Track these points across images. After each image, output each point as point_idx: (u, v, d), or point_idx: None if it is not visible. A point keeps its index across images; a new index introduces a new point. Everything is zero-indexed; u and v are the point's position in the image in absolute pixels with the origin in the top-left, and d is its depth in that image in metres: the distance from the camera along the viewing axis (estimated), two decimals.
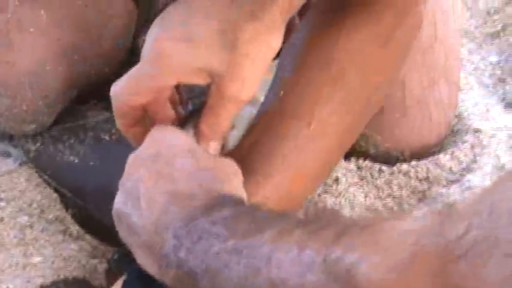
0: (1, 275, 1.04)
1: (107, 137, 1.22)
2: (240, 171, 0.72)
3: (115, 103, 0.80)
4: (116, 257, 0.80)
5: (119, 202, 0.71)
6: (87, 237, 1.16)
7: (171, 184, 0.67)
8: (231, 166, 0.71)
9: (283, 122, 0.83)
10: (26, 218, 1.13)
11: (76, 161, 1.21)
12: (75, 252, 1.11)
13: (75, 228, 1.16)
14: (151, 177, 0.68)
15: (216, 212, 0.61)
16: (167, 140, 0.72)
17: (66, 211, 1.18)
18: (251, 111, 0.90)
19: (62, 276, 1.06)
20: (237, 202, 0.64)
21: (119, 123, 0.81)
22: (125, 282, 0.79)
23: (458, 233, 0.40)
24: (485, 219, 0.39)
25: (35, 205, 1.16)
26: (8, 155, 1.25)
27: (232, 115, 0.77)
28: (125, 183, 0.71)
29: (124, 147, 1.18)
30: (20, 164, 1.22)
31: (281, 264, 0.50)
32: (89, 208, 1.17)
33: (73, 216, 1.18)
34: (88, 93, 1.36)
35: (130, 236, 0.69)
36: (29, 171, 1.21)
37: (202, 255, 0.59)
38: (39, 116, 1.21)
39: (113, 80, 1.39)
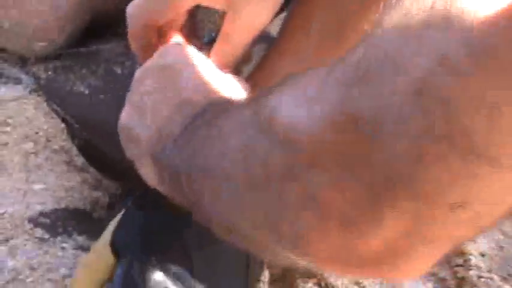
0: (1, 199, 1.02)
1: (119, 70, 1.21)
2: (248, 89, 0.73)
3: (130, 22, 0.79)
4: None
5: (125, 115, 0.71)
6: (91, 169, 1.15)
7: (178, 96, 0.66)
8: (237, 85, 0.70)
9: (285, 39, 0.82)
10: (31, 144, 1.12)
11: (86, 92, 1.19)
12: (77, 183, 1.10)
13: (79, 160, 1.15)
14: (158, 90, 0.68)
15: (207, 112, 0.61)
16: (177, 53, 0.71)
17: (72, 142, 1.17)
18: (264, 47, 0.89)
19: (62, 205, 1.04)
20: (227, 98, 0.64)
21: (133, 44, 0.80)
22: (125, 211, 0.78)
23: (358, 57, 0.40)
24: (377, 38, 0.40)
25: (41, 133, 1.14)
26: (18, 81, 1.23)
27: (246, 43, 0.76)
28: (132, 96, 0.71)
29: None
30: (30, 92, 1.20)
31: (225, 132, 0.51)
32: (94, 141, 1.16)
33: (78, 147, 1.17)
34: (103, 26, 1.34)
35: (135, 148, 0.69)
36: (38, 99, 1.19)
37: (185, 148, 0.59)
38: (48, 32, 1.20)
39: None
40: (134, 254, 0.74)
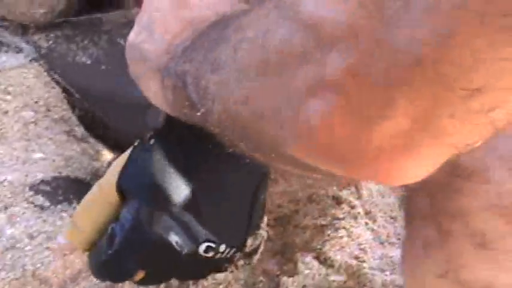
0: (0, 166, 1.02)
1: (122, 42, 1.20)
2: None
3: None
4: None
5: (134, 34, 0.70)
6: (91, 140, 1.15)
7: (189, 12, 0.66)
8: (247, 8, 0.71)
9: None
10: (31, 113, 1.11)
11: (88, 62, 1.19)
12: (77, 153, 1.10)
13: (80, 130, 1.14)
14: (170, 6, 0.67)
15: (222, 23, 0.59)
16: None
17: (73, 112, 1.16)
18: None
19: (63, 174, 1.04)
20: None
21: None
22: (132, 151, 0.78)
23: None
24: None
25: (41, 102, 1.14)
26: (19, 50, 1.23)
27: None
28: (141, 16, 0.70)
29: None
30: (31, 60, 1.20)
31: (244, 26, 0.50)
32: (95, 111, 1.15)
33: (79, 118, 1.16)
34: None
35: (140, 66, 0.69)
36: (39, 69, 1.19)
37: (194, 54, 0.59)
38: None
39: None
40: (142, 197, 0.74)
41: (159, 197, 0.73)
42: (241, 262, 0.76)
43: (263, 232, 0.78)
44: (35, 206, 0.98)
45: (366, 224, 1.02)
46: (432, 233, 0.62)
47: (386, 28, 0.39)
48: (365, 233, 1.00)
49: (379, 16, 0.39)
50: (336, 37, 0.41)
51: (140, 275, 0.74)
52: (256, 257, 0.78)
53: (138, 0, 1.39)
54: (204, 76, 0.55)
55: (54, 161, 1.06)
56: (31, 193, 0.99)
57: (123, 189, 0.76)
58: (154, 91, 0.67)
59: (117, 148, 1.17)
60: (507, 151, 0.58)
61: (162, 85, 0.64)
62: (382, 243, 1.01)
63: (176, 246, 0.72)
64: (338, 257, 0.96)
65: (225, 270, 0.77)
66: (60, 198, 1.01)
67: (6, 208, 0.97)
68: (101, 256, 0.75)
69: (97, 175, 1.10)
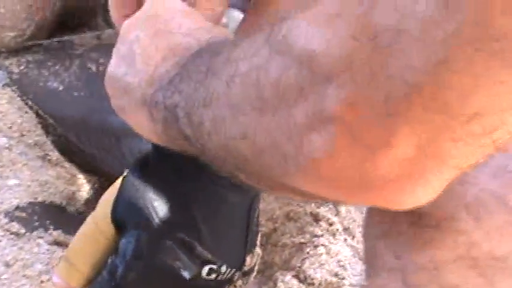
0: None
1: (93, 67, 1.20)
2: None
3: None
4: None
5: (112, 66, 0.69)
6: (66, 164, 1.14)
7: (169, 40, 0.66)
8: (227, 32, 0.70)
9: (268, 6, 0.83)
10: (4, 140, 1.10)
11: (60, 88, 1.18)
12: (52, 178, 1.09)
13: (54, 155, 1.14)
14: (148, 36, 0.67)
15: (206, 52, 0.60)
16: (165, 3, 0.71)
17: (47, 137, 1.15)
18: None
19: (39, 199, 1.03)
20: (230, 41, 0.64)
21: (114, 15, 0.79)
22: (123, 181, 0.77)
23: None
24: None
25: (15, 128, 1.13)
26: None
27: None
28: (119, 47, 0.70)
29: None
30: (3, 86, 1.19)
31: (234, 60, 0.50)
32: (69, 136, 1.15)
33: (53, 142, 1.16)
34: (75, 17, 1.33)
35: (124, 98, 0.68)
36: (11, 94, 1.18)
37: (183, 86, 0.58)
38: (17, 22, 1.19)
39: (104, 9, 1.38)
40: (140, 226, 0.73)
41: (158, 223, 0.72)
42: (239, 282, 0.76)
43: (258, 250, 0.78)
44: (11, 233, 0.97)
45: (345, 240, 1.02)
46: (398, 286, 0.62)
47: (380, 58, 0.40)
48: (344, 249, 1.00)
49: (371, 46, 0.40)
50: (330, 71, 0.42)
51: None
52: (253, 274, 0.78)
53: (110, 21, 1.39)
54: (196, 111, 0.54)
55: (29, 186, 1.05)
56: (6, 220, 0.98)
57: (119, 220, 0.75)
58: (141, 123, 0.66)
59: (93, 172, 1.17)
60: (473, 199, 0.58)
61: (151, 117, 0.63)
62: (361, 259, 1.01)
63: (180, 271, 0.71)
64: (318, 274, 0.96)
65: None
66: (36, 224, 1.00)
67: None
68: None
69: (73, 199, 1.09)
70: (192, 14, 0.70)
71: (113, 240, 0.76)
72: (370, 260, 0.65)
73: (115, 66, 0.69)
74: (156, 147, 0.74)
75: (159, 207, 0.73)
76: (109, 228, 0.76)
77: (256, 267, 0.80)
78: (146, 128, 0.66)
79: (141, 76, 0.65)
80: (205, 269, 0.73)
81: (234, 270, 0.75)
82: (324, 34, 0.42)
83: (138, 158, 0.77)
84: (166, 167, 0.74)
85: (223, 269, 0.74)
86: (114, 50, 0.70)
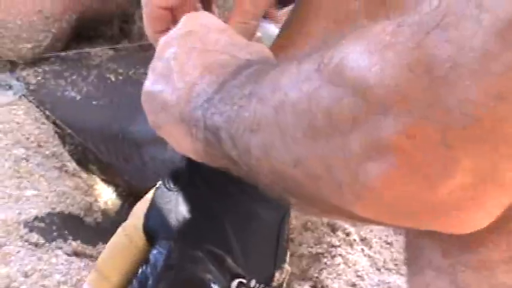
0: None
1: (112, 77, 1.20)
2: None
3: (146, 7, 0.80)
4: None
5: (149, 84, 0.70)
6: (83, 175, 1.14)
7: (205, 57, 0.67)
8: (263, 48, 0.71)
9: (307, 23, 0.83)
10: (22, 150, 1.11)
11: (78, 97, 1.19)
12: (70, 189, 1.09)
13: (71, 165, 1.14)
14: (184, 53, 0.68)
15: (245, 70, 0.61)
16: (200, 20, 0.72)
17: (64, 147, 1.16)
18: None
19: (57, 210, 1.03)
20: (267, 60, 0.64)
21: (149, 30, 0.81)
22: (155, 192, 0.78)
23: (431, 6, 0.41)
24: None
25: (32, 139, 1.13)
26: (9, 87, 1.22)
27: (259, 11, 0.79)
28: (156, 65, 0.70)
29: (130, 88, 1.17)
30: (20, 97, 1.19)
31: (282, 87, 0.51)
32: (87, 146, 1.15)
33: (70, 152, 1.16)
34: (91, 28, 1.34)
35: (161, 115, 0.68)
36: (28, 105, 1.18)
37: (223, 107, 0.59)
38: (34, 33, 1.19)
39: (120, 20, 1.39)
40: (172, 237, 0.74)
41: (189, 235, 0.73)
42: None
43: (287, 266, 0.78)
44: (30, 243, 0.98)
45: (362, 250, 1.02)
46: (447, 285, 0.62)
47: (437, 90, 0.40)
48: (361, 259, 1.00)
49: (427, 78, 0.40)
50: (386, 101, 0.42)
51: None
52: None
53: (125, 32, 1.40)
54: (242, 136, 0.55)
55: (47, 197, 1.06)
56: (25, 230, 0.99)
57: (150, 231, 0.76)
58: (179, 140, 0.67)
59: (110, 182, 1.17)
60: None
61: (190, 135, 0.64)
62: (378, 269, 1.01)
63: (210, 284, 0.72)
64: (335, 284, 0.96)
65: None
66: (55, 234, 1.00)
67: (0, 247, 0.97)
68: None
69: (90, 210, 1.09)
70: (227, 30, 0.70)
71: (143, 251, 0.77)
72: (413, 258, 0.65)
73: (152, 83, 0.69)
74: (189, 160, 0.74)
75: (190, 219, 0.74)
76: (140, 239, 0.77)
77: (284, 284, 0.80)
78: (185, 145, 0.66)
79: (179, 94, 0.66)
80: (235, 282, 0.73)
81: (262, 286, 0.75)
82: (378, 64, 0.42)
83: (170, 170, 0.78)
84: (199, 180, 0.74)
85: (253, 283, 0.74)
86: (150, 67, 0.71)
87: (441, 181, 0.42)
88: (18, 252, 0.96)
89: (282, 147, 0.50)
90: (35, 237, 0.98)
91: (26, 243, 0.98)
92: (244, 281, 0.73)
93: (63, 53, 1.25)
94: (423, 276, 0.64)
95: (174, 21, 0.77)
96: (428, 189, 0.43)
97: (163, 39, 0.72)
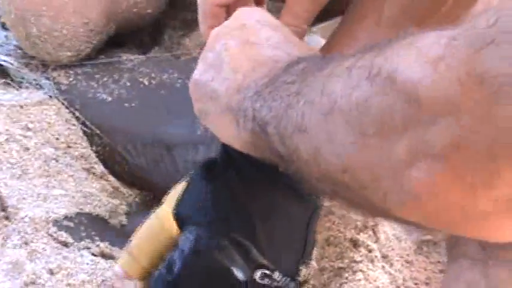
0: (21, 203, 1.03)
1: (145, 81, 1.21)
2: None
3: (203, 5, 0.82)
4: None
5: (198, 73, 0.72)
6: (110, 178, 1.16)
7: (258, 51, 0.68)
8: (313, 49, 0.72)
9: (354, 24, 0.84)
10: (52, 150, 1.12)
11: (109, 99, 1.20)
12: (96, 190, 1.11)
13: (99, 168, 1.15)
14: (237, 45, 0.69)
15: (295, 67, 0.61)
16: (254, 15, 0.73)
17: (91, 148, 1.17)
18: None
19: (85, 210, 1.05)
20: (315, 58, 0.65)
21: (203, 27, 0.83)
22: (189, 181, 0.80)
23: (488, 23, 0.42)
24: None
25: (62, 139, 1.15)
26: (40, 87, 1.24)
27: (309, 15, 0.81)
28: (207, 55, 0.72)
29: (163, 92, 1.18)
30: (51, 97, 1.21)
31: (331, 93, 0.52)
32: (116, 147, 1.16)
33: (97, 154, 1.17)
34: (125, 35, 1.35)
35: (209, 104, 0.70)
36: (59, 105, 1.20)
37: (272, 102, 0.60)
38: (76, 43, 1.21)
39: (152, 27, 1.41)
40: (201, 224, 0.75)
41: (218, 223, 0.75)
42: None
43: (314, 263, 0.79)
44: (57, 242, 0.99)
45: (383, 267, 1.02)
46: (478, 277, 0.63)
47: (487, 104, 0.41)
48: (382, 276, 1.00)
49: (478, 92, 0.41)
50: (436, 112, 0.43)
51: None
52: (308, 286, 0.80)
53: (156, 39, 1.41)
54: (290, 135, 0.56)
55: (74, 197, 1.07)
56: (54, 229, 1.00)
57: (180, 217, 0.78)
58: (224, 128, 0.68)
59: (136, 185, 1.18)
60: None
61: (237, 124, 0.65)
62: (398, 287, 1.01)
63: (234, 272, 0.74)
64: None
65: None
66: (83, 234, 1.01)
67: (26, 244, 0.98)
68: (159, 284, 0.77)
69: (116, 212, 1.10)
70: (281, 28, 0.72)
71: (174, 236, 0.78)
72: (451, 246, 0.66)
73: (201, 73, 0.71)
74: (224, 152, 0.76)
75: (219, 209, 0.75)
76: (171, 226, 0.79)
77: (310, 280, 0.81)
78: (230, 134, 0.67)
79: (228, 84, 0.67)
80: (258, 272, 0.75)
81: (288, 279, 0.76)
82: (431, 76, 0.44)
83: (205, 160, 0.80)
84: (232, 171, 0.76)
85: (277, 275, 0.75)
86: (201, 57, 0.72)
87: (484, 192, 0.43)
88: (45, 249, 0.97)
89: (331, 153, 0.51)
90: (63, 236, 1.00)
91: (54, 241, 0.99)
92: (268, 272, 0.75)
93: (97, 61, 1.26)
94: (458, 264, 0.66)
95: (228, 18, 0.78)
96: (471, 198, 0.44)
97: (215, 31, 0.73)
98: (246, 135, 0.64)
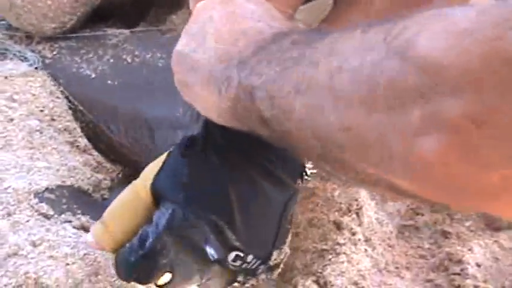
0: (5, 173, 1.02)
1: (128, 59, 1.21)
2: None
3: None
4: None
5: (181, 44, 0.71)
6: (94, 152, 1.15)
7: (241, 23, 0.67)
8: (299, 25, 0.71)
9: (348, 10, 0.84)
10: (36, 122, 1.11)
11: (93, 75, 1.19)
12: (80, 164, 1.10)
13: (83, 141, 1.15)
14: (221, 17, 0.69)
15: (286, 38, 0.60)
16: None
17: (76, 123, 1.16)
18: None
19: (67, 183, 1.04)
20: (309, 29, 0.64)
21: (191, 2, 0.81)
22: (168, 156, 0.79)
23: None
24: None
25: (46, 111, 1.14)
26: (24, 58, 1.23)
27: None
28: (190, 27, 0.71)
29: (146, 71, 1.17)
30: (36, 69, 1.20)
31: (342, 52, 0.50)
32: (99, 124, 1.16)
33: (82, 129, 1.16)
34: (109, 10, 1.34)
35: (190, 75, 0.69)
36: (44, 78, 1.19)
37: (263, 69, 0.59)
38: (60, 14, 1.20)
39: (139, 2, 1.40)
40: (177, 201, 0.75)
41: (194, 202, 0.74)
42: (262, 276, 0.77)
43: (287, 248, 0.79)
44: (39, 214, 0.98)
45: (365, 250, 1.03)
46: None
47: (511, 83, 0.41)
48: (365, 259, 1.01)
49: (504, 71, 0.41)
50: (458, 84, 0.43)
51: (166, 278, 0.75)
52: (278, 271, 0.79)
53: (143, 15, 1.40)
54: (286, 95, 0.55)
55: (58, 170, 1.06)
56: (36, 200, 0.99)
57: (157, 192, 0.77)
58: (205, 99, 0.68)
59: (118, 161, 1.18)
60: None
61: (218, 93, 0.65)
62: (380, 270, 1.02)
63: (207, 252, 0.73)
64: (338, 281, 0.97)
65: (247, 282, 0.78)
66: (64, 207, 1.01)
67: (9, 215, 0.97)
68: (130, 257, 0.76)
69: (99, 186, 1.10)
70: (265, 3, 0.71)
71: (149, 210, 0.78)
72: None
73: (184, 44, 0.70)
74: (205, 130, 0.75)
75: (197, 186, 0.75)
76: (147, 199, 0.78)
77: (281, 265, 0.81)
78: (209, 105, 0.67)
79: (211, 54, 0.67)
80: (232, 254, 0.74)
81: (259, 261, 0.76)
82: (455, 48, 0.43)
83: (185, 136, 0.78)
84: (211, 149, 0.75)
85: (250, 258, 0.75)
86: (184, 29, 0.72)
87: (498, 170, 0.43)
88: (28, 221, 0.96)
89: (332, 111, 0.50)
90: (44, 207, 0.99)
91: (36, 213, 0.98)
92: (241, 254, 0.75)
93: (81, 34, 1.25)
94: None
95: None
96: (483, 171, 0.44)
97: (200, 4, 0.73)
98: (227, 104, 0.64)
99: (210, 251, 0.74)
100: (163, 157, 0.79)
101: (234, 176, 0.75)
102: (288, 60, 0.56)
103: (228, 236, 0.74)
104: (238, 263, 0.74)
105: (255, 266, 0.76)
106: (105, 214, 0.82)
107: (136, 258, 0.75)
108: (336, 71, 0.50)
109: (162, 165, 0.78)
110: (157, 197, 0.77)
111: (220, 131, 0.68)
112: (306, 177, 0.79)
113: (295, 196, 0.78)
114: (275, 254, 0.78)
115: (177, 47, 0.71)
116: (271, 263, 0.78)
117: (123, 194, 0.81)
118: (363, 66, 0.48)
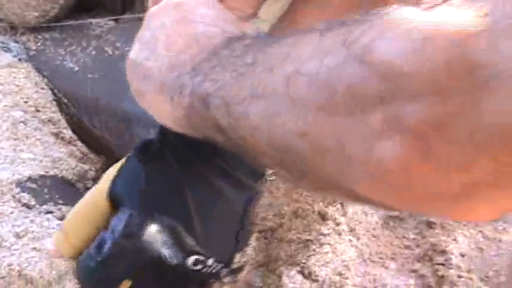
0: None
1: (109, 51, 1.20)
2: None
3: None
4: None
5: (134, 52, 0.70)
6: (79, 143, 1.15)
7: (192, 28, 0.66)
8: (254, 28, 0.71)
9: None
10: (21, 113, 1.11)
11: (76, 68, 1.19)
12: (64, 155, 1.10)
13: (67, 133, 1.15)
14: (172, 23, 0.68)
15: (239, 42, 0.60)
16: None
17: (61, 114, 1.16)
18: None
19: (51, 173, 1.04)
20: (263, 33, 0.63)
21: (149, 3, 0.80)
22: (126, 161, 0.78)
23: (482, 11, 0.41)
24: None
25: (30, 102, 1.14)
26: (7, 49, 1.22)
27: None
28: (143, 34, 0.70)
29: (124, 64, 1.17)
30: (20, 60, 1.19)
31: (298, 57, 0.49)
32: (81, 117, 1.16)
33: (66, 121, 1.16)
34: (97, 2, 1.34)
35: (144, 83, 0.68)
36: (29, 69, 1.18)
37: (217, 75, 0.58)
38: (43, 3, 1.20)
39: None
40: (133, 206, 0.74)
41: (151, 207, 0.73)
42: (227, 279, 0.76)
43: (250, 250, 0.78)
44: (22, 204, 0.98)
45: (350, 241, 1.03)
46: None
47: (474, 93, 0.40)
48: (349, 249, 1.01)
49: (466, 80, 0.40)
50: (419, 91, 0.42)
51: (126, 284, 0.74)
52: (242, 274, 0.79)
53: (127, 5, 1.40)
54: (241, 102, 0.54)
55: (41, 161, 1.06)
56: (17, 190, 0.99)
57: (115, 197, 0.76)
58: (158, 107, 0.67)
59: (101, 153, 1.18)
60: None
61: (171, 102, 0.64)
62: (364, 260, 1.02)
63: (165, 257, 0.72)
64: (322, 272, 0.97)
65: (211, 285, 0.77)
66: (46, 197, 1.00)
67: None
68: (89, 263, 0.75)
69: (84, 177, 1.10)
70: (217, 6, 0.70)
71: (107, 216, 0.77)
72: None
73: (137, 52, 0.69)
74: (161, 133, 0.75)
75: (154, 191, 0.74)
76: (105, 205, 0.77)
77: (246, 267, 0.80)
78: (164, 113, 0.66)
79: (163, 61, 0.66)
80: (191, 258, 0.73)
81: (221, 265, 0.75)
82: (415, 55, 0.42)
83: (142, 141, 0.77)
84: (168, 153, 0.74)
85: (210, 262, 0.74)
86: (137, 36, 0.70)
87: (457, 174, 0.43)
88: (12, 212, 0.96)
89: (290, 117, 0.49)
90: (26, 197, 0.99)
91: (19, 204, 0.98)
92: (201, 258, 0.74)
93: (65, 23, 1.25)
94: None
95: None
96: (442, 178, 0.43)
97: (151, 10, 0.71)
98: (181, 112, 0.63)
99: (169, 256, 0.73)
100: (122, 161, 0.79)
101: (191, 179, 0.74)
102: (243, 66, 0.55)
103: (186, 241, 0.73)
104: (198, 266, 0.74)
105: (216, 269, 0.75)
106: (65, 222, 0.81)
107: (94, 265, 0.74)
108: (292, 76, 0.49)
109: (119, 170, 0.77)
110: (115, 202, 0.76)
111: (177, 134, 0.67)
112: (267, 177, 0.79)
113: (256, 197, 0.78)
114: (237, 256, 0.77)
115: (131, 55, 0.70)
116: (233, 266, 0.77)
117: (82, 201, 0.80)
118: (320, 70, 0.47)
